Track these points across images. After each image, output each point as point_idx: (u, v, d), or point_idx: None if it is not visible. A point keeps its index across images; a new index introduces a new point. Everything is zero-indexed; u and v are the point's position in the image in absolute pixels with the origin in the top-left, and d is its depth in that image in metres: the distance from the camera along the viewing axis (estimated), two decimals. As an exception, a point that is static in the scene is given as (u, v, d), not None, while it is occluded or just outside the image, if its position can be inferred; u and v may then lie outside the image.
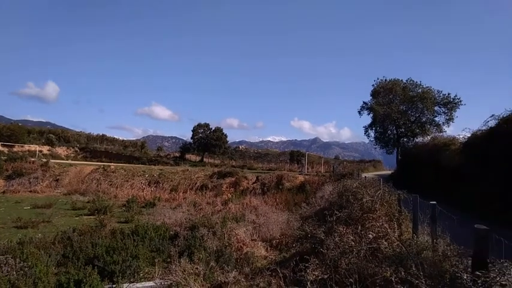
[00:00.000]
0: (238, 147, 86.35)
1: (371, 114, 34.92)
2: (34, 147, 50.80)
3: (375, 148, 39.05)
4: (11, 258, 7.47)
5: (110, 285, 7.44)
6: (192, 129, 56.72)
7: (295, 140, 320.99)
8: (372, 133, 36.21)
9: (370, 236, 6.50)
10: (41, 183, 30.01)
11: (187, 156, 58.46)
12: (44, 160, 35.20)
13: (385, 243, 6.25)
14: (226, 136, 57.31)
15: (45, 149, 52.97)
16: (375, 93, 34.82)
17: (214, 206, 19.23)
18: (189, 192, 27.00)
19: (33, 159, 36.11)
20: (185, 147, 59.88)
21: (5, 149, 46.92)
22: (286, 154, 67.39)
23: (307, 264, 5.21)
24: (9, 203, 21.96)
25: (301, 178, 26.25)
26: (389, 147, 35.50)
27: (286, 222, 11.94)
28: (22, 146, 50.17)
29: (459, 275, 3.38)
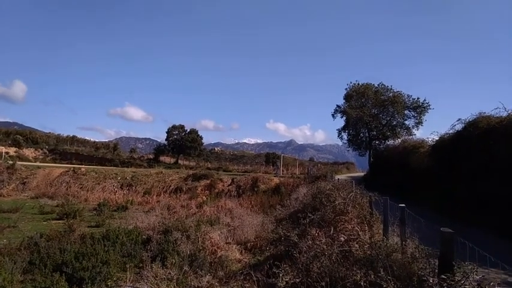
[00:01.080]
0: (214, 149, 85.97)
1: (344, 117, 35.55)
2: (0, 148, 48.53)
3: (348, 150, 39.81)
4: (-28, 266, 7.11)
5: (79, 293, 7.21)
6: (166, 130, 55.98)
7: (271, 142, 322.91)
8: (345, 136, 36.90)
9: (341, 238, 6.61)
10: (7, 187, 28.69)
11: (162, 158, 57.59)
12: (11, 162, 33.69)
13: (357, 245, 6.37)
14: (201, 138, 56.90)
15: (11, 150, 50.73)
16: (347, 97, 35.50)
17: (189, 209, 19.00)
18: (163, 195, 26.58)
19: (-2, 161, 34.49)
20: (159, 149, 58.93)
21: (-33, 151, 44.62)
22: (262, 156, 67.70)
23: (279, 270, 5.21)
24: (-29, 208, 20.83)
25: (276, 180, 26.40)
26: (362, 150, 36.27)
27: (261, 224, 11.96)
28: (-14, 148, 47.82)
29: (426, 278, 3.49)
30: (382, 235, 7.13)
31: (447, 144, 14.28)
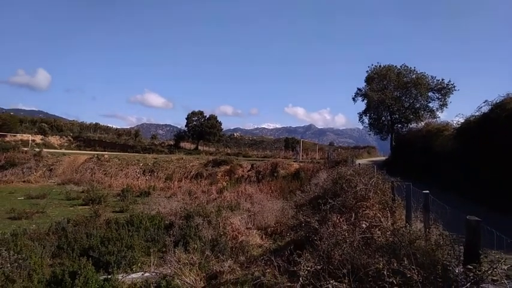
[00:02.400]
0: (233, 135, 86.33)
1: (365, 101, 34.91)
2: (27, 136, 50.23)
3: (369, 134, 39.19)
4: (5, 250, 7.42)
5: (105, 276, 7.43)
6: (186, 117, 56.42)
7: (290, 126, 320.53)
8: (366, 119, 36.29)
9: (363, 225, 6.54)
10: (35, 173, 29.81)
11: (182, 144, 58.27)
12: (37, 150, 34.87)
13: (378, 232, 6.29)
14: (220, 124, 57.11)
15: (38, 138, 52.46)
16: (369, 80, 34.73)
17: (209, 194, 19.26)
18: (184, 181, 27.00)
19: (26, 148, 35.72)
20: (179, 135, 59.63)
21: (-3, 139, 46.38)
22: (281, 141, 67.49)
23: (299, 258, 5.21)
24: (2, 194, 21.78)
25: (296, 165, 26.31)
26: (384, 134, 35.66)
27: (281, 210, 11.99)
28: (14, 136, 49.58)
29: (451, 268, 3.40)
30: (404, 221, 7.02)
31: (473, 126, 13.80)
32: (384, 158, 34.49)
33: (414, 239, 4.94)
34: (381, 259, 4.63)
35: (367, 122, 36.27)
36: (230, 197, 17.40)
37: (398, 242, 5.00)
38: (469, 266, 3.14)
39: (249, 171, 27.39)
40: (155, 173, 29.32)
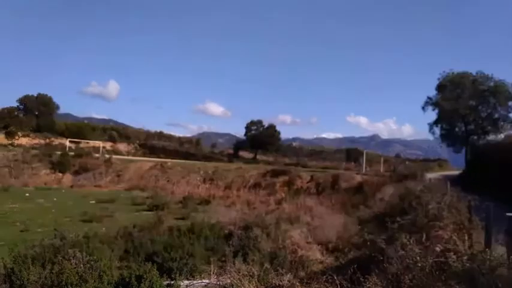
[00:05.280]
0: (292, 144, 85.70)
1: (436, 110, 32.67)
2: (98, 143, 54.37)
3: (441, 146, 36.62)
4: (79, 251, 7.94)
5: (169, 282, 7.61)
6: (245, 126, 57.40)
7: (352, 136, 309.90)
8: (437, 130, 33.92)
9: (437, 249, 5.96)
10: (105, 179, 32.12)
11: (241, 153, 59.26)
12: (107, 156, 37.55)
13: (454, 256, 5.70)
14: (279, 133, 57.24)
15: (108, 145, 56.56)
16: (440, 88, 32.48)
17: (268, 205, 19.20)
18: (243, 190, 27.25)
19: (97, 155, 38.58)
20: (238, 144, 60.78)
21: (73, 145, 50.98)
22: (342, 151, 65.43)
23: (364, 278, 4.86)
24: (76, 197, 23.71)
25: (358, 178, 25.27)
26: (457, 146, 33.10)
27: (343, 225, 11.52)
28: (87, 143, 53.95)
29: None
30: (483, 246, 6.32)
31: None
32: (457, 172, 31.88)
33: (495, 266, 4.38)
34: (457, 287, 4.17)
35: (438, 133, 33.92)
36: (289, 209, 17.15)
37: (477, 269, 4.48)
38: None
39: (308, 182, 26.90)
40: (215, 182, 30.01)
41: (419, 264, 5.28)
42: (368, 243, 7.97)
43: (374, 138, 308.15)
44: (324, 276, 7.13)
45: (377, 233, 8.35)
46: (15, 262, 7.29)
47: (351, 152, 55.83)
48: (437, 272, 5.21)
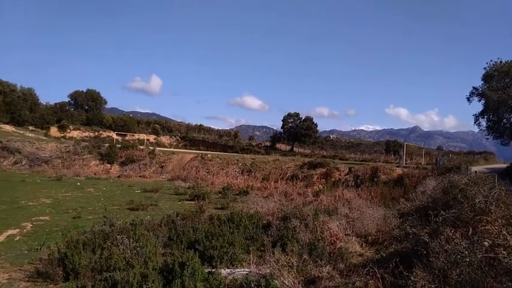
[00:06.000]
0: (329, 137, 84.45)
1: (482, 101, 30.87)
2: (142, 136, 56.96)
3: (487, 139, 34.62)
4: (126, 238, 8.42)
5: (210, 270, 7.89)
6: (282, 118, 57.36)
7: (391, 129, 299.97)
8: (483, 122, 32.06)
9: (485, 243, 5.72)
10: (149, 169, 33.46)
11: (278, 145, 59.38)
12: (151, 148, 39.02)
13: (504, 252, 5.45)
14: (316, 125, 56.67)
15: (151, 137, 59.05)
16: (487, 77, 30.59)
17: (305, 197, 19.14)
18: (280, 182, 27.36)
19: (142, 147, 40.12)
20: (275, 137, 60.94)
21: (119, 138, 53.55)
22: (381, 144, 63.65)
23: (408, 272, 4.78)
24: (123, 187, 24.95)
25: (398, 171, 24.55)
26: (505, 138, 31.10)
27: (383, 218, 11.25)
28: (133, 135, 56.70)
29: None
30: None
31: None
32: (504, 166, 30.05)
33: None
34: (510, 284, 4.01)
35: (484, 124, 32.05)
36: (327, 200, 17.00)
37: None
38: None
39: (346, 174, 26.51)
40: (253, 173, 30.34)
41: (468, 259, 5.12)
42: (410, 236, 7.78)
43: (415, 130, 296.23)
44: (365, 269, 7.09)
45: (419, 226, 8.12)
46: (68, 247, 7.87)
47: (390, 144, 54.06)
48: (486, 268, 5.02)
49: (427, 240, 6.55)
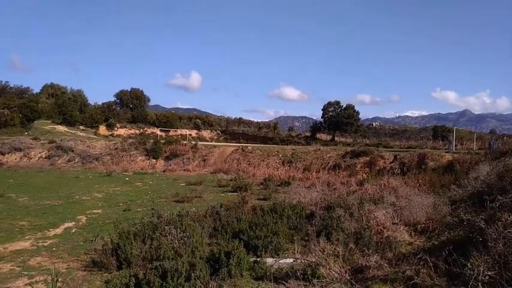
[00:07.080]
0: (372, 125, 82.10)
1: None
2: (185, 131, 58.66)
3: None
4: (173, 228, 8.70)
5: (255, 259, 7.97)
6: (322, 108, 56.40)
7: (439, 113, 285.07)
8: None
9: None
10: (192, 163, 34.33)
11: (318, 135, 58.57)
12: (193, 142, 39.96)
13: None
14: (358, 113, 55.17)
15: (193, 132, 60.68)
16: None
17: (349, 186, 18.70)
18: (322, 172, 26.96)
19: (184, 142, 41.14)
20: (315, 127, 60.09)
21: (163, 134, 55.46)
22: (428, 130, 60.82)
23: (464, 260, 4.52)
24: (169, 180, 25.78)
25: (448, 157, 23.28)
26: None
27: (433, 205, 10.74)
28: (175, 131, 58.57)
29: None
30: None
31: None
32: None
33: None
34: None
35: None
36: (371, 189, 16.51)
37: None
38: None
39: (391, 162, 25.58)
40: (293, 164, 30.15)
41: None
42: (464, 223, 7.36)
43: (464, 113, 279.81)
44: (416, 258, 6.81)
45: (473, 212, 7.66)
46: (120, 238, 8.27)
47: (438, 129, 51.47)
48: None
49: (483, 226, 6.17)
